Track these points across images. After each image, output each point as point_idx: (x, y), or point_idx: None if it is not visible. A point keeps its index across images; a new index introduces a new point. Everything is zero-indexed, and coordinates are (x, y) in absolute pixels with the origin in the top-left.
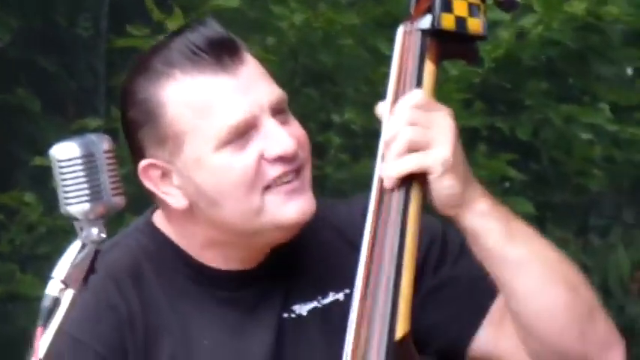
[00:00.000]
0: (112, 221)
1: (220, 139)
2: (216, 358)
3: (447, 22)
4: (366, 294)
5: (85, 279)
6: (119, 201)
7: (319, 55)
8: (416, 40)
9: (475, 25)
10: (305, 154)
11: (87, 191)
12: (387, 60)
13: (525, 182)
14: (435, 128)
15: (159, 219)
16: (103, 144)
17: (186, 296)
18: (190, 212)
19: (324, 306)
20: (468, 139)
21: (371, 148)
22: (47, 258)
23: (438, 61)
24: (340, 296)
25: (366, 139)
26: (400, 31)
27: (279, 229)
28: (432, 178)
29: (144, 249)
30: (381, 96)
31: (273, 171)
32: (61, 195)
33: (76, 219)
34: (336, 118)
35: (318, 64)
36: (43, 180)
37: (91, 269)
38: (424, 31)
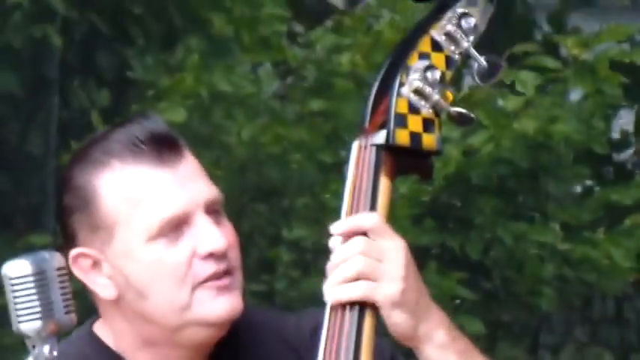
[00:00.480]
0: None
1: (152, 232)
2: None
3: (402, 137)
4: None
5: None
6: (71, 318)
7: (268, 170)
8: (371, 155)
9: (430, 140)
10: (235, 257)
11: (39, 309)
12: (335, 175)
13: (476, 301)
14: (387, 262)
15: (99, 328)
16: (54, 261)
17: None
18: (118, 305)
19: None
20: (418, 256)
21: (320, 265)
22: None
23: (392, 176)
24: None
25: (315, 255)
26: (355, 145)
27: (205, 325)
28: (382, 311)
29: (83, 356)
30: (330, 211)
31: (205, 269)
32: (12, 313)
33: (28, 337)
34: (285, 233)
35: (267, 180)
36: None
37: None
38: (379, 147)
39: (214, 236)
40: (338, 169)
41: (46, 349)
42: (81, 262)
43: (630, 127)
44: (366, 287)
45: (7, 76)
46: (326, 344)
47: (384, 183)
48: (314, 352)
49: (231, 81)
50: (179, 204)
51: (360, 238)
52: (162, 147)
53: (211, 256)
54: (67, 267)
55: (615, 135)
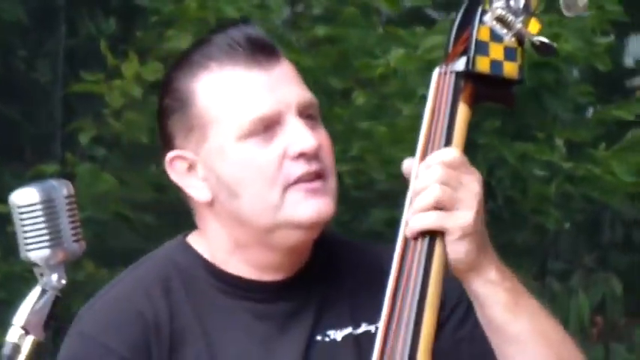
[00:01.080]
0: (71, 266)
1: (243, 131)
2: None
3: (482, 64)
4: (387, 334)
5: (46, 325)
6: (79, 247)
7: None
8: (450, 81)
9: (511, 68)
10: (329, 161)
11: (47, 237)
12: (342, 100)
13: None
14: (463, 191)
15: (192, 238)
16: (63, 189)
17: (214, 308)
18: (213, 208)
19: (358, 335)
20: None
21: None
22: (5, 304)
23: (472, 104)
24: (372, 328)
25: None
26: (435, 72)
27: (296, 227)
28: (449, 239)
29: (174, 263)
30: (336, 137)
31: (295, 169)
32: (20, 241)
33: (36, 265)
34: None
35: None
36: (1, 224)
37: (52, 315)
38: (458, 73)
39: (305, 136)
40: (345, 94)
41: (55, 277)
42: (177, 165)
43: None
44: (440, 215)
45: (15, 5)
46: (399, 272)
47: (462, 110)
48: None
49: (237, 7)
50: (270, 104)
51: (439, 167)
52: (258, 50)
53: (302, 156)
54: (75, 195)
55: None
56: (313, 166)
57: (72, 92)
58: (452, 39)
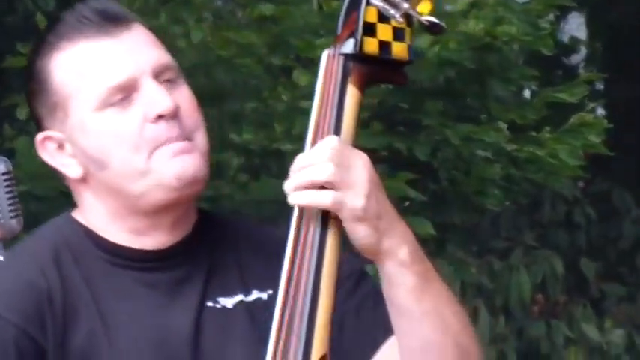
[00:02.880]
0: (9, 243)
1: (101, 100)
2: (135, 334)
3: (370, 46)
4: (282, 317)
5: None
6: (17, 223)
7: (216, 73)
8: (339, 64)
9: (400, 49)
10: (193, 121)
11: None
12: (283, 79)
13: (424, 203)
14: (353, 174)
15: (77, 213)
16: (0, 166)
17: (104, 279)
18: (86, 183)
19: (249, 302)
20: None
21: (269, 168)
22: None
23: (362, 86)
24: (263, 295)
25: (263, 160)
26: (324, 54)
27: (165, 188)
28: (345, 224)
29: (62, 236)
30: (278, 116)
31: (157, 132)
32: None
33: None
34: (234, 137)
35: (216, 83)
36: None
37: None
38: (347, 56)
39: (161, 98)
40: (286, 73)
41: None
42: (47, 146)
43: (579, 34)
44: (335, 196)
45: None
46: (292, 251)
47: (352, 92)
48: None
49: None
50: (124, 70)
51: (331, 147)
52: (107, 20)
53: (161, 118)
54: (14, 170)
55: (565, 41)
56: (175, 128)
57: (8, 67)
58: (341, 20)
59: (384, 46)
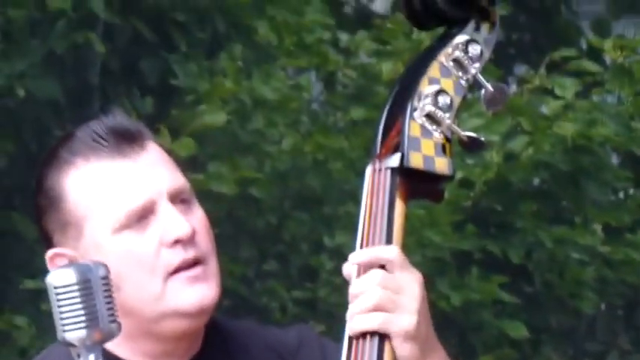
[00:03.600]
0: None
1: (118, 223)
2: None
3: (416, 160)
4: None
5: None
6: (115, 327)
7: (309, 178)
8: (385, 178)
9: (442, 164)
10: (206, 245)
11: (83, 317)
12: None
13: (518, 305)
14: (403, 294)
15: None
16: (99, 270)
17: None
18: None
19: None
20: (460, 262)
21: None
22: None
23: (407, 200)
24: None
25: None
26: (368, 169)
27: (180, 315)
28: (393, 342)
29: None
30: None
31: (173, 257)
32: (57, 322)
33: (73, 345)
34: (327, 241)
35: (308, 188)
36: (35, 303)
37: None
38: (394, 169)
39: (179, 223)
40: None
41: (91, 357)
42: (57, 262)
43: None
44: (383, 318)
45: (51, 83)
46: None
47: (399, 206)
48: None
49: (271, 86)
50: (141, 194)
51: (379, 271)
52: (122, 140)
53: (178, 242)
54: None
55: None
56: (191, 253)
57: None
58: (380, 133)
59: (428, 160)
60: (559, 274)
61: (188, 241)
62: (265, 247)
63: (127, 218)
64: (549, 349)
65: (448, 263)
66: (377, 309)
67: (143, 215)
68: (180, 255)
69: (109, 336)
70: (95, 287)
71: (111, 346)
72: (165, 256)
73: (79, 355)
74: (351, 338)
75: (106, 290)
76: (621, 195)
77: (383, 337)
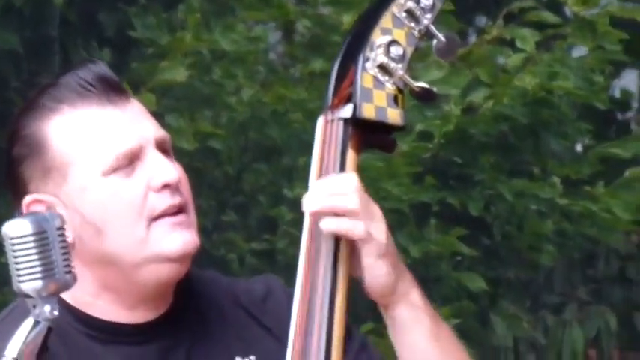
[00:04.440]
0: None
1: (108, 166)
2: None
3: (368, 111)
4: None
5: (38, 356)
6: (71, 278)
7: (269, 129)
8: (338, 129)
9: (394, 115)
10: (188, 194)
11: (39, 268)
12: None
13: (477, 258)
14: (374, 208)
15: None
16: (55, 221)
17: (89, 355)
18: (75, 250)
19: None
20: (418, 214)
21: None
22: None
23: (359, 151)
24: None
25: None
26: (321, 120)
27: (163, 260)
28: (366, 260)
29: None
30: None
31: (160, 202)
32: (13, 272)
33: (29, 296)
34: (286, 192)
35: (267, 139)
36: None
37: (44, 346)
38: (346, 120)
39: (167, 168)
40: None
41: (47, 308)
42: (34, 209)
43: (632, 87)
44: (366, 227)
45: (9, 35)
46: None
47: (351, 157)
48: (267, 316)
49: (231, 39)
50: (132, 138)
51: (354, 181)
52: (110, 88)
53: (165, 188)
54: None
55: (617, 95)
56: (177, 199)
57: None
58: (333, 84)
59: (380, 111)
60: (518, 227)
61: (175, 188)
62: (224, 199)
63: (117, 161)
64: (507, 301)
65: (407, 215)
66: (351, 215)
67: (131, 160)
68: (167, 200)
69: (65, 286)
70: (51, 238)
71: (86, 301)
72: (152, 200)
73: (34, 306)
74: (309, 270)
75: (62, 241)
76: (580, 148)
77: (336, 257)
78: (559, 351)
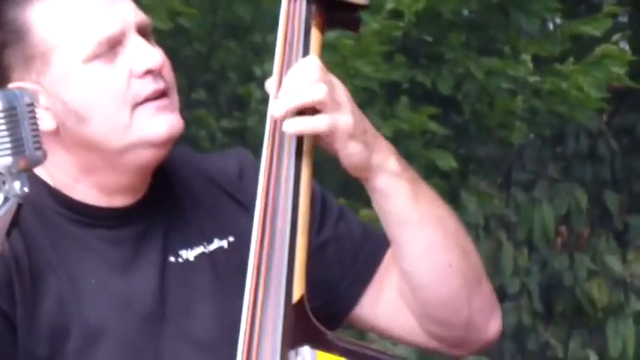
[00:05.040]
0: None
1: (89, 52)
2: (103, 296)
3: None
4: (260, 258)
5: (8, 233)
6: (41, 155)
7: (238, 6)
8: (301, 7)
9: None
10: (170, 78)
11: (9, 145)
12: None
13: (447, 136)
14: (338, 91)
15: (37, 169)
16: (25, 97)
17: (69, 237)
18: (58, 136)
19: (211, 252)
20: (389, 92)
21: None
22: None
23: (323, 29)
24: (224, 243)
25: None
26: None
27: (147, 144)
28: (336, 144)
29: None
30: None
31: (143, 87)
32: None
33: None
34: (257, 70)
35: (238, 17)
36: None
37: (14, 223)
38: None
39: (149, 53)
40: None
41: (17, 184)
42: None
43: None
44: (330, 118)
45: None
46: (265, 193)
47: (315, 36)
48: (243, 194)
49: None
50: (114, 23)
51: (317, 68)
52: None
53: (148, 73)
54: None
55: None
56: (160, 84)
57: None
58: None
59: None
60: (488, 105)
61: (158, 72)
62: (194, 77)
63: (99, 46)
64: (478, 179)
65: (377, 93)
66: (319, 106)
67: (113, 45)
68: (151, 85)
69: (35, 163)
70: (21, 115)
71: (67, 184)
72: (135, 86)
73: (4, 183)
74: (272, 151)
75: (31, 117)
76: (550, 26)
77: (300, 147)
78: (530, 228)
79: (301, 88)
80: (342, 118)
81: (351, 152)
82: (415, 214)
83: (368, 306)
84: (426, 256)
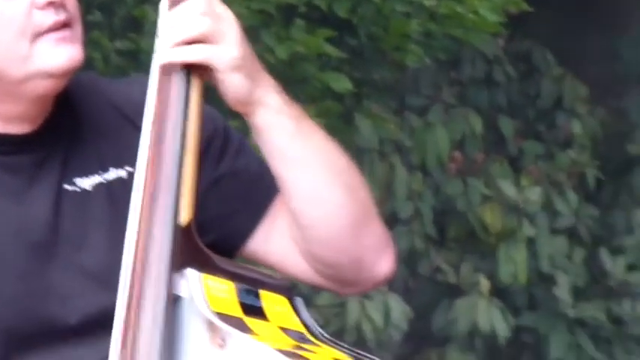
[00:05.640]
0: None
1: None
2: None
3: None
4: (147, 179)
5: None
6: None
7: None
8: None
9: None
10: (74, 9)
11: None
12: None
13: (343, 59)
14: (224, 24)
15: None
16: None
17: None
18: None
19: (108, 182)
20: (285, 14)
21: None
22: None
23: None
24: (122, 173)
25: None
26: None
27: (47, 76)
28: (219, 75)
29: None
30: None
31: (44, 18)
32: None
33: None
34: None
35: None
36: None
37: None
38: None
39: None
40: None
41: None
42: None
43: None
44: (209, 50)
45: None
46: (157, 103)
47: None
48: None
49: None
50: None
51: (203, 1)
52: None
53: (50, 4)
54: None
55: None
56: (62, 15)
57: None
58: None
59: None
60: (384, 28)
61: (60, 3)
62: None
63: None
64: (372, 101)
65: (273, 16)
66: (201, 39)
67: None
68: (52, 17)
69: None
70: None
71: None
72: (36, 17)
73: None
74: (161, 73)
75: None
76: None
77: (190, 71)
78: (424, 153)
79: (183, 22)
80: (224, 50)
81: (232, 84)
82: (298, 151)
83: (260, 242)
84: (312, 195)
